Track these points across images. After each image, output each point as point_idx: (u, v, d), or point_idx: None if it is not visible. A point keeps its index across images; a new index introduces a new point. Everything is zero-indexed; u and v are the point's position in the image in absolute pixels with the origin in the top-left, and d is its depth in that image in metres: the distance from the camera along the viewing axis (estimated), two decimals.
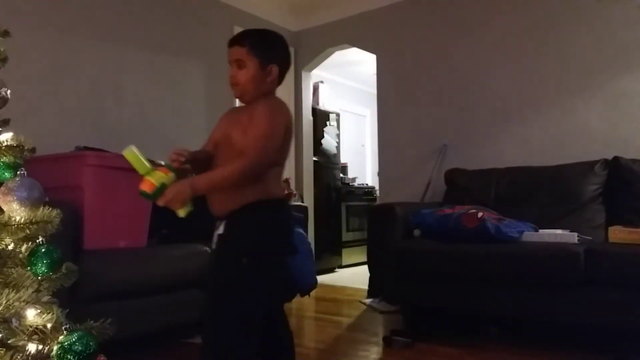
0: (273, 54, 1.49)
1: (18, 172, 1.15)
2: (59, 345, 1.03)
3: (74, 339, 1.04)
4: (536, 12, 3.42)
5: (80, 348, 1.03)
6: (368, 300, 3.44)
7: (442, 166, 3.63)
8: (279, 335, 1.56)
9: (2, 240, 1.12)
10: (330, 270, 5.11)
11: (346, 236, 5.45)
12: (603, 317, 2.14)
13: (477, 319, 2.72)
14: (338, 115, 5.60)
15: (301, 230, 3.00)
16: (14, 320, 1.06)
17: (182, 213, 1.32)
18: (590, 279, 2.15)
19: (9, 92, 1.20)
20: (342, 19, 4.43)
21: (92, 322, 1.12)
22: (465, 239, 2.49)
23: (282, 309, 1.64)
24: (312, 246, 3.41)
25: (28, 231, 1.12)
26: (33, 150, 1.19)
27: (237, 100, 1.54)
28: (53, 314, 1.08)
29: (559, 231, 2.45)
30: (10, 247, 1.14)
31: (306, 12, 4.57)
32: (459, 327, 2.73)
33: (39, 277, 1.13)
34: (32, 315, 1.08)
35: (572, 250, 2.22)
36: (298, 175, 4.72)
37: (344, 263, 5.35)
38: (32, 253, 1.13)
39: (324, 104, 5.41)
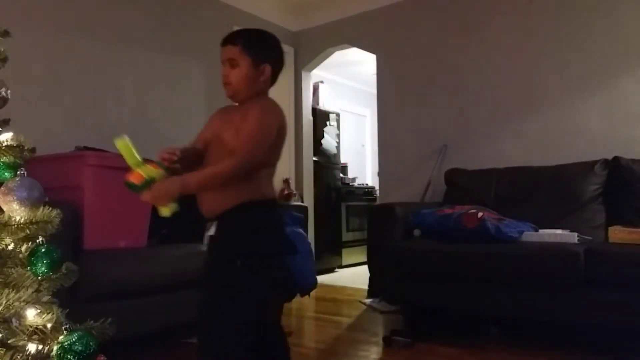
0: (266, 54, 1.48)
1: (18, 172, 1.15)
2: (59, 345, 1.03)
3: (74, 339, 1.04)
4: (536, 13, 3.42)
5: (80, 348, 1.03)
6: (368, 300, 3.44)
7: (442, 166, 3.63)
8: (272, 336, 1.56)
9: (2, 240, 1.12)
10: (330, 270, 5.11)
11: (346, 236, 5.45)
12: (603, 317, 2.14)
13: (477, 319, 2.72)
14: (338, 115, 5.60)
15: (301, 230, 3.01)
16: (14, 320, 1.06)
17: (166, 212, 1.30)
18: (590, 279, 2.15)
19: (9, 92, 1.20)
20: (342, 19, 4.43)
21: (92, 322, 1.12)
22: (465, 239, 2.49)
23: (275, 309, 1.64)
24: (312, 246, 3.41)
25: (28, 231, 1.12)
26: (33, 150, 1.19)
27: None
28: (53, 314, 1.08)
29: (559, 231, 2.45)
30: (10, 247, 1.14)
31: (306, 12, 4.57)
32: (459, 327, 2.73)
33: (39, 277, 1.13)
34: (32, 315, 1.08)
35: (572, 250, 2.22)
36: (298, 175, 4.72)
37: (344, 263, 5.35)
38: (32, 253, 1.13)
39: (324, 104, 5.41)
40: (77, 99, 3.06)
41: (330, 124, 5.39)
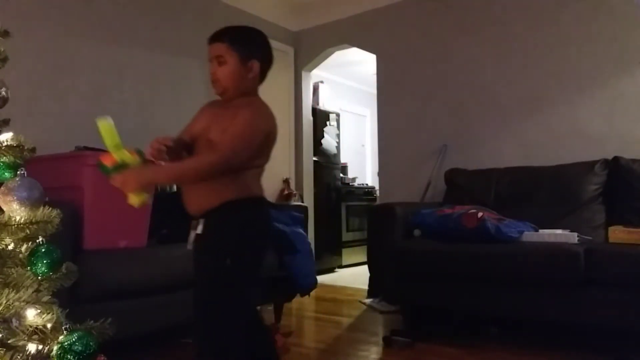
0: (253, 50, 1.46)
1: (18, 172, 1.15)
2: (59, 345, 1.03)
3: (74, 339, 1.04)
4: (536, 12, 3.42)
5: (80, 348, 1.03)
6: (368, 300, 3.44)
7: (442, 166, 3.63)
8: (261, 331, 1.57)
9: (2, 240, 1.12)
10: (330, 270, 5.11)
11: (346, 236, 5.45)
12: (603, 317, 2.14)
13: (477, 319, 2.72)
14: (338, 115, 5.60)
15: (301, 230, 3.01)
16: (14, 320, 1.06)
17: (135, 200, 1.27)
18: (590, 279, 2.15)
19: (9, 92, 1.20)
20: (342, 19, 4.43)
21: (92, 322, 1.12)
22: (465, 239, 2.49)
23: (255, 304, 1.62)
24: (312, 246, 3.41)
25: (28, 231, 1.12)
26: (33, 150, 1.19)
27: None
28: (53, 314, 1.08)
29: (559, 231, 2.45)
30: (10, 247, 1.14)
31: (306, 12, 4.57)
32: (459, 327, 2.73)
33: (39, 277, 1.13)
34: (32, 315, 1.08)
35: (572, 250, 2.22)
36: (298, 175, 4.72)
37: (344, 263, 5.35)
38: (32, 253, 1.13)
39: (324, 104, 5.41)
40: (78, 99, 3.06)
41: (330, 124, 5.39)
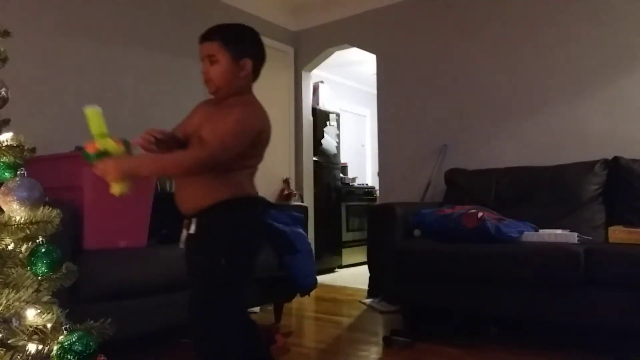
0: (245, 48, 1.45)
1: (18, 172, 1.15)
2: (59, 345, 1.03)
3: (74, 339, 1.04)
4: (536, 12, 3.42)
5: (80, 348, 1.03)
6: (368, 300, 3.44)
7: (442, 166, 3.63)
8: (253, 330, 1.57)
9: (2, 240, 1.12)
10: (330, 270, 5.11)
11: (346, 236, 5.45)
12: (603, 317, 2.14)
13: (477, 319, 2.72)
14: (338, 115, 5.60)
15: (301, 230, 3.01)
16: (14, 320, 1.06)
17: (115, 189, 1.27)
18: (590, 279, 2.15)
19: (9, 92, 1.20)
20: (342, 19, 4.43)
21: (92, 322, 1.12)
22: (465, 239, 2.49)
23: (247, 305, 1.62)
24: (312, 246, 3.41)
25: (28, 231, 1.12)
26: (33, 150, 1.19)
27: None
28: (53, 314, 1.08)
29: (559, 231, 2.45)
30: (10, 247, 1.14)
31: (306, 12, 4.57)
32: (459, 327, 2.73)
33: (39, 277, 1.13)
34: (32, 315, 1.08)
35: (572, 250, 2.22)
36: (298, 175, 4.72)
37: (344, 263, 5.35)
38: (32, 253, 1.13)
39: (324, 104, 5.41)
40: (77, 99, 3.05)
41: (330, 124, 5.39)
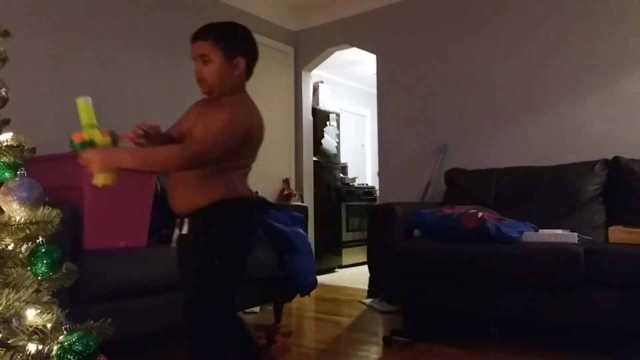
0: (238, 46, 1.44)
1: (18, 172, 1.15)
2: (59, 345, 1.03)
3: (74, 339, 1.04)
4: (536, 12, 3.42)
5: (80, 348, 1.03)
6: (368, 300, 3.44)
7: (442, 166, 3.63)
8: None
9: (2, 240, 1.12)
10: (330, 270, 5.11)
11: (346, 236, 5.45)
12: (603, 317, 2.14)
13: (477, 319, 2.72)
14: (338, 115, 5.60)
15: (301, 230, 3.01)
16: (14, 320, 1.06)
17: (98, 180, 1.27)
18: (590, 279, 2.15)
19: (9, 92, 1.20)
20: (342, 19, 4.44)
21: (92, 322, 1.12)
22: (465, 239, 2.49)
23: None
24: (312, 246, 3.41)
25: (28, 231, 1.12)
26: (33, 150, 1.19)
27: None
28: (53, 314, 1.08)
29: (559, 231, 2.45)
30: (10, 247, 1.14)
31: (306, 12, 4.57)
32: (459, 327, 2.73)
33: (39, 277, 1.13)
34: (32, 315, 1.08)
35: (572, 250, 2.22)
36: (298, 175, 4.72)
37: (344, 263, 5.35)
38: (32, 253, 1.13)
39: (324, 104, 5.41)
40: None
41: (330, 124, 5.39)
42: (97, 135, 1.27)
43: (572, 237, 2.37)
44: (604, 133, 3.12)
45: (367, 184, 6.28)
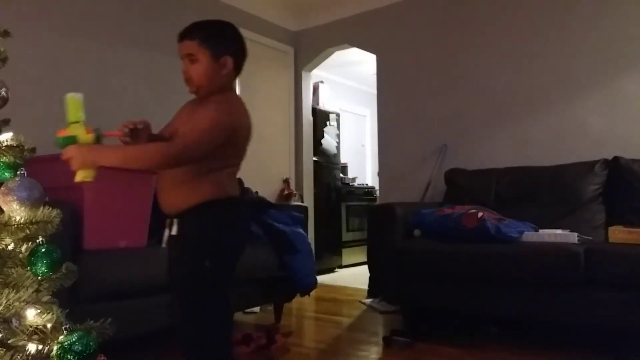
0: (226, 45, 1.42)
1: (18, 172, 1.15)
2: (59, 345, 1.03)
3: (74, 339, 1.04)
4: (536, 13, 3.42)
5: (80, 348, 1.03)
6: (368, 300, 3.44)
7: (442, 166, 3.63)
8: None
9: (2, 240, 1.12)
10: (330, 270, 5.11)
11: (346, 236, 5.45)
12: (603, 317, 2.14)
13: (477, 319, 2.72)
14: (338, 115, 5.60)
15: (301, 230, 3.01)
16: (14, 320, 1.06)
17: (78, 176, 1.26)
18: (590, 279, 2.15)
19: (9, 92, 1.20)
20: (342, 19, 4.44)
21: (92, 322, 1.12)
22: (465, 239, 2.49)
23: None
24: (312, 246, 3.41)
25: (28, 231, 1.12)
26: (33, 150, 1.19)
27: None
28: (53, 314, 1.08)
29: (559, 231, 2.45)
30: (10, 247, 1.14)
31: (306, 12, 4.57)
32: (459, 327, 2.73)
33: (39, 277, 1.13)
34: (32, 315, 1.08)
35: (572, 250, 2.22)
36: (298, 175, 4.72)
37: (344, 263, 5.35)
38: (32, 253, 1.13)
39: (324, 104, 5.41)
40: None
41: (330, 124, 5.39)
42: (80, 132, 1.26)
43: (572, 237, 2.37)
44: (604, 133, 3.12)
45: (367, 184, 6.28)
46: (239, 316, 3.15)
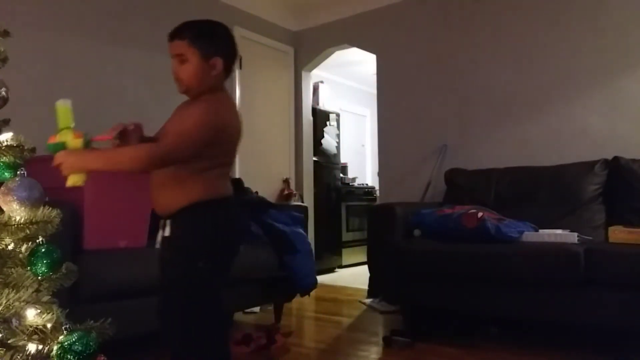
0: (216, 46, 1.41)
1: (18, 172, 1.15)
2: (59, 345, 1.03)
3: (74, 339, 1.04)
4: (536, 12, 3.42)
5: (80, 348, 1.03)
6: (368, 300, 3.44)
7: (442, 166, 3.63)
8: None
9: (2, 240, 1.12)
10: (330, 270, 5.11)
11: (346, 236, 5.45)
12: (603, 317, 2.14)
13: (477, 319, 2.72)
14: (338, 115, 5.60)
15: (301, 230, 3.01)
16: (14, 320, 1.06)
17: (69, 181, 1.28)
18: (590, 279, 2.15)
19: (9, 92, 1.21)
20: (342, 19, 4.43)
21: (92, 322, 1.12)
22: (465, 239, 2.49)
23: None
24: (312, 246, 3.41)
25: (28, 231, 1.12)
26: (33, 150, 1.19)
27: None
28: (53, 314, 1.08)
29: (559, 231, 2.45)
30: (10, 247, 1.14)
31: (306, 12, 4.57)
32: (459, 327, 2.72)
33: (39, 277, 1.13)
34: (32, 315, 1.08)
35: (572, 250, 2.22)
36: (298, 175, 4.72)
37: (344, 263, 5.35)
38: (32, 253, 1.13)
39: (324, 104, 5.41)
40: (77, 98, 3.03)
41: (330, 124, 5.39)
42: (69, 138, 1.28)
43: (572, 237, 2.37)
44: (604, 133, 3.12)
45: (367, 184, 6.28)
46: (239, 316, 3.15)
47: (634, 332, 2.15)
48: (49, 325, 1.06)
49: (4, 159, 1.14)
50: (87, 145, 1.30)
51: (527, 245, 2.40)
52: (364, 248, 3.18)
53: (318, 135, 5.13)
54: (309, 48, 4.71)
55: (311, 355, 2.41)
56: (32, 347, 1.05)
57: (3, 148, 1.13)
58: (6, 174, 1.15)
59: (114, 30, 3.29)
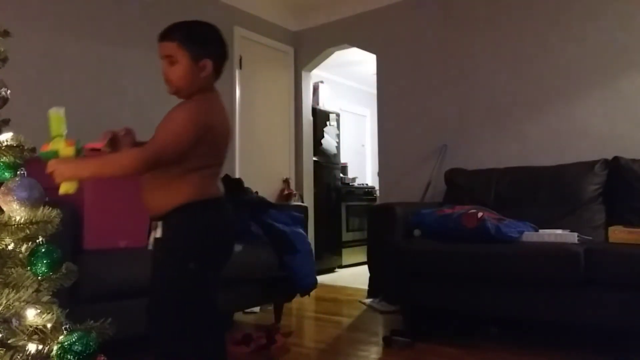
0: (206, 47, 1.40)
1: (18, 172, 1.15)
2: (59, 345, 1.04)
3: (74, 339, 1.04)
4: (536, 12, 3.42)
5: (80, 348, 1.03)
6: (368, 300, 3.44)
7: (442, 166, 3.63)
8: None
9: (2, 240, 1.12)
10: (330, 270, 5.11)
11: (346, 236, 5.45)
12: (603, 317, 2.14)
13: (477, 319, 2.72)
14: (338, 115, 5.60)
15: (301, 230, 3.01)
16: (14, 320, 1.06)
17: (61, 189, 1.29)
18: (590, 279, 2.15)
19: (9, 92, 1.21)
20: (342, 19, 4.43)
21: (92, 322, 1.12)
22: (465, 239, 2.49)
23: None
24: (312, 246, 3.41)
25: (28, 231, 1.12)
26: (33, 150, 1.19)
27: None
28: (53, 314, 1.08)
29: (559, 231, 2.45)
30: (10, 247, 1.14)
31: (306, 12, 4.57)
32: (459, 327, 2.72)
33: (39, 277, 1.13)
34: (32, 315, 1.08)
35: (572, 250, 2.22)
36: (298, 175, 4.72)
37: (344, 263, 5.35)
38: (32, 253, 1.13)
39: (324, 104, 5.41)
40: (77, 99, 3.05)
41: (330, 124, 5.39)
42: (61, 146, 1.29)
43: (572, 237, 2.37)
44: (604, 133, 3.12)
45: (367, 184, 6.28)
46: (239, 316, 3.15)
47: (634, 332, 2.15)
48: (49, 325, 1.06)
49: (4, 159, 1.14)
50: (79, 153, 1.31)
51: (527, 245, 2.40)
52: (364, 248, 3.18)
53: (318, 135, 5.13)
54: (309, 48, 4.71)
55: (311, 355, 2.41)
56: (32, 347, 1.05)
57: (3, 148, 1.13)
58: (6, 174, 1.15)
59: (114, 31, 3.29)
